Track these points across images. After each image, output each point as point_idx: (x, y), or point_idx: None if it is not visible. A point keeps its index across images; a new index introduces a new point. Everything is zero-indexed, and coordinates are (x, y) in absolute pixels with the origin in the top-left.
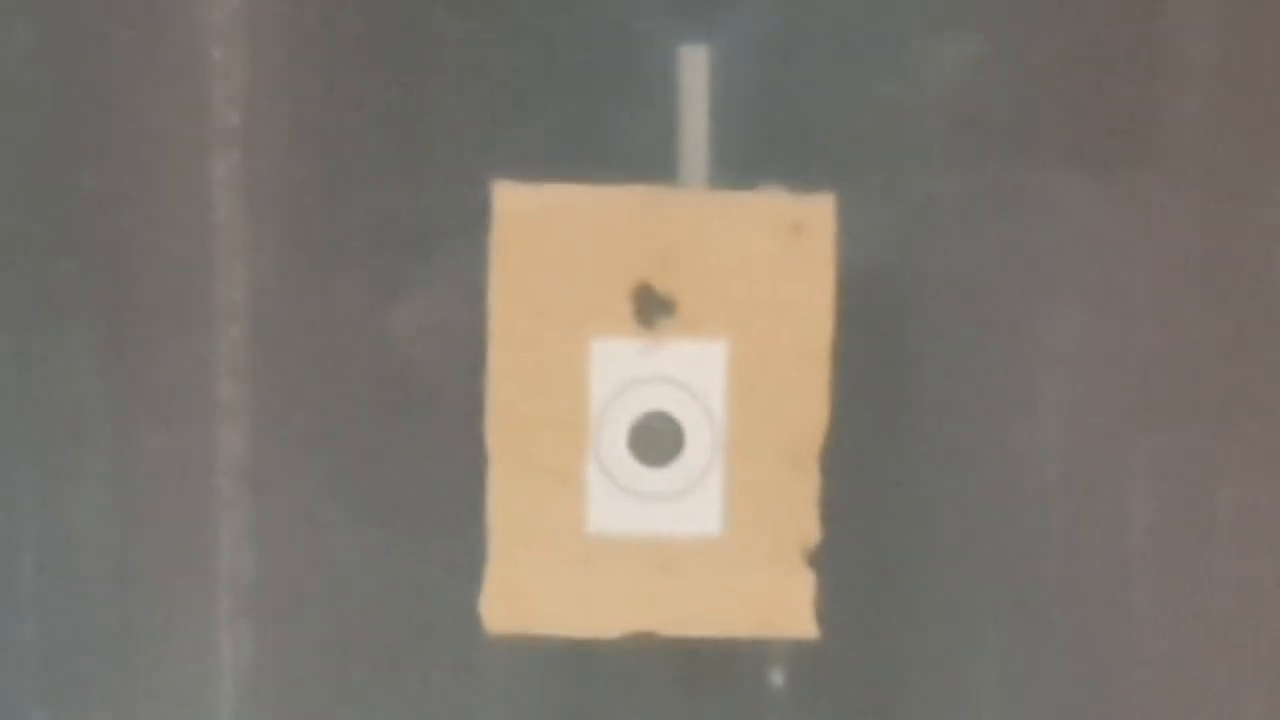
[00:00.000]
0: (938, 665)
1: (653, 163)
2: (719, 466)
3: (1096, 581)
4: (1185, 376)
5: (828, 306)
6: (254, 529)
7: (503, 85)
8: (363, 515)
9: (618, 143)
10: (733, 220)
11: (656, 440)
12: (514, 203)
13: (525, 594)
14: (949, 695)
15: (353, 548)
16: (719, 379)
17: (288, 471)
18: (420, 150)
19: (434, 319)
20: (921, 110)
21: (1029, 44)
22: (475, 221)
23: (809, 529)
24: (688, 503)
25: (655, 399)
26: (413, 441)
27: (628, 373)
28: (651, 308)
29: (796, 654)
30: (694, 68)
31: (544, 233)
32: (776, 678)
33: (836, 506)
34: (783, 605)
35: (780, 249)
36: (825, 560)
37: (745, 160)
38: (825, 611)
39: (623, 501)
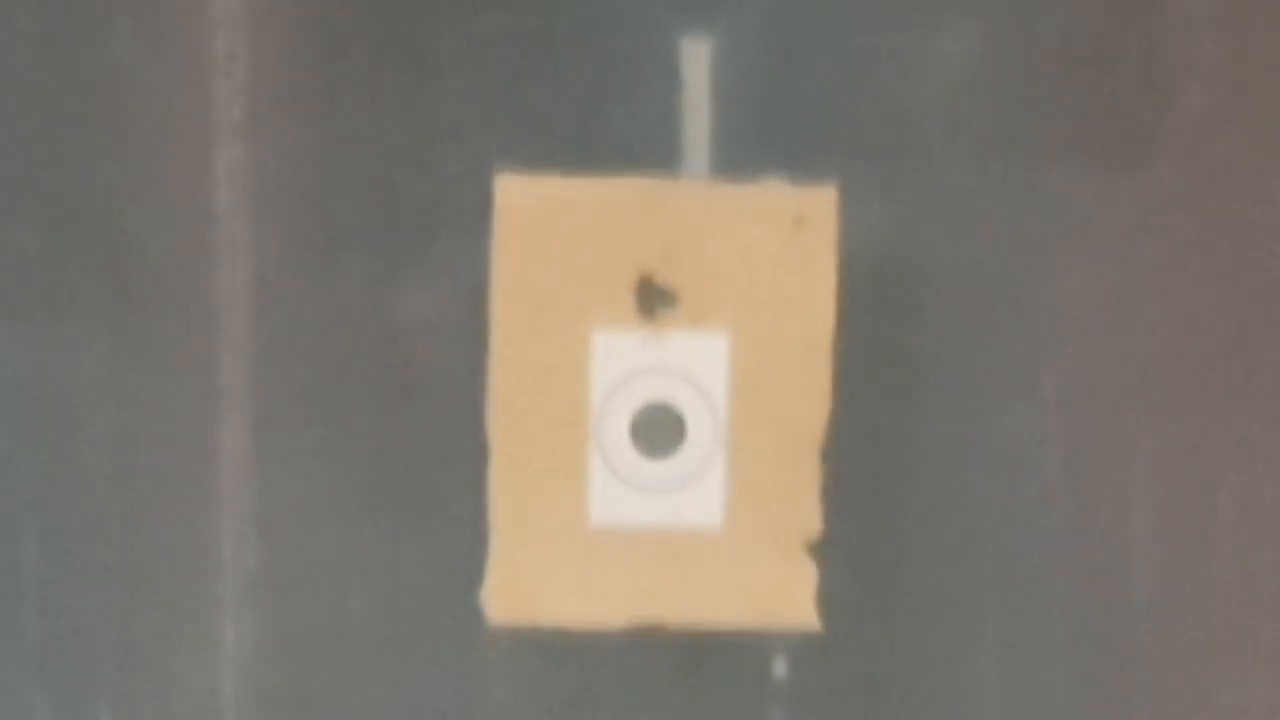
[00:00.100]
0: (939, 656)
1: (655, 155)
2: (721, 458)
3: (1098, 574)
4: (1188, 369)
5: (829, 298)
6: (256, 519)
7: (505, 78)
8: (365, 506)
9: (620, 135)
10: (735, 212)
11: (658, 432)
12: (516, 195)
13: (527, 585)
14: (951, 686)
15: (355, 538)
16: (721, 370)
17: (290, 462)
18: (422, 142)
19: (436, 310)
20: (923, 103)
21: (1031, 37)
22: (477, 213)
23: (811, 520)
24: (689, 494)
25: (657, 391)
26: (415, 432)
27: (629, 364)
28: (653, 299)
29: (798, 645)
30: (696, 60)
31: (546, 224)
32: (778, 668)
33: (838, 498)
34: (784, 596)
35: (782, 241)
36: (827, 551)
37: (747, 152)
38: (827, 602)
39: (624, 493)
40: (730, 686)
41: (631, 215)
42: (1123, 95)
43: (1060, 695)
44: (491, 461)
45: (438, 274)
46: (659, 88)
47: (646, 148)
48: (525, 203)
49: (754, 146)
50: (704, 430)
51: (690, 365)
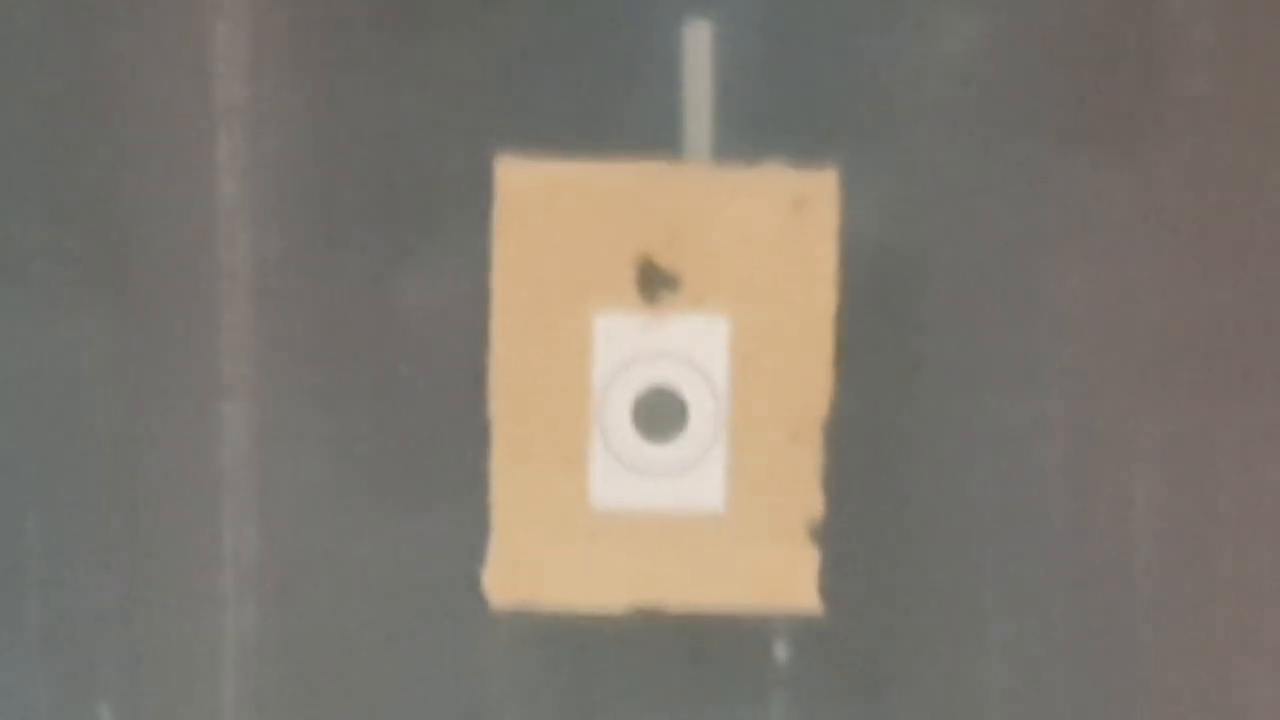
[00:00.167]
0: (942, 639)
1: (656, 138)
2: (722, 441)
3: (1101, 557)
4: (1192, 353)
5: (831, 281)
6: (257, 504)
7: (507, 61)
8: (367, 490)
9: (621, 118)
10: (736, 195)
11: (660, 415)
12: (517, 178)
13: (529, 569)
14: (953, 670)
15: (357, 523)
16: (722, 354)
17: (291, 448)
18: (424, 126)
19: (437, 294)
20: (926, 86)
21: (1034, 18)
22: (478, 197)
23: (813, 504)
24: (691, 478)
25: (658, 374)
26: (417, 416)
27: (631, 348)
28: (655, 283)
29: (800, 628)
30: (698, 43)
31: (547, 208)
32: (780, 652)
33: (840, 481)
34: (787, 580)
35: (784, 224)
36: (829, 535)
37: (749, 135)
38: (829, 586)
39: (626, 477)
40: (732, 670)
41: (633, 199)
42: (1125, 81)
43: (1063, 679)
44: (493, 445)
45: (439, 257)
46: (661, 71)
47: (648, 131)
48: (526, 186)
49: (756, 130)
50: (706, 414)
51: (692, 349)
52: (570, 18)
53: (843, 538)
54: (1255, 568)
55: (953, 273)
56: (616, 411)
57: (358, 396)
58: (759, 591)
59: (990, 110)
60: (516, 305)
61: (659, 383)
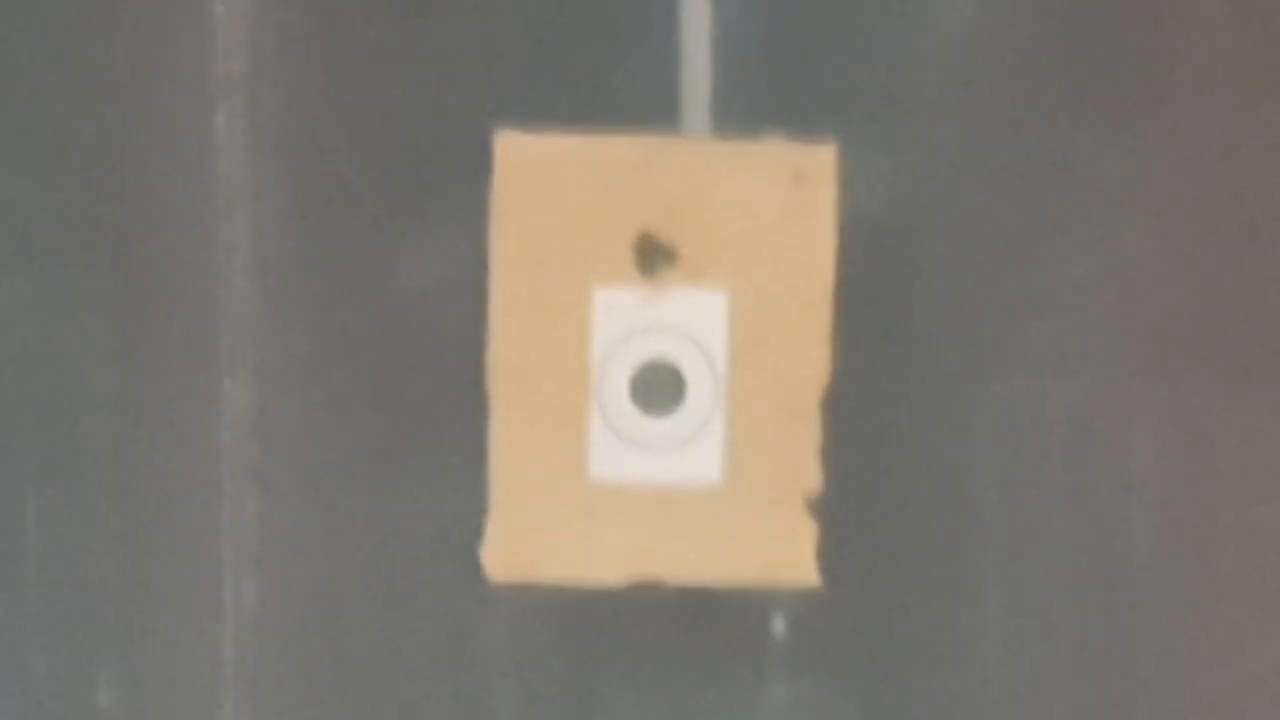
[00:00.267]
0: (939, 613)
1: (655, 111)
2: (720, 415)
3: (1099, 529)
4: (1193, 331)
5: (829, 255)
6: (257, 479)
7: (505, 33)
8: (365, 464)
9: (620, 91)
10: (735, 169)
11: (658, 389)
12: (516, 151)
13: (527, 542)
14: (950, 642)
15: (355, 497)
16: (721, 328)
17: (290, 422)
18: (423, 99)
19: (437, 267)
20: (925, 59)
21: None
22: (477, 170)
23: (811, 477)
24: (689, 451)
25: (657, 348)
26: (415, 390)
27: (629, 322)
28: (653, 257)
29: (798, 602)
30: (697, 16)
31: (546, 181)
32: (778, 625)
33: (838, 455)
34: (784, 553)
35: (782, 198)
36: (827, 508)
37: (748, 109)
38: (827, 559)
39: (624, 450)
40: (730, 643)
41: (632, 172)
42: (1127, 55)
43: (1060, 651)
44: (491, 419)
45: (439, 231)
46: (660, 44)
47: (647, 105)
48: (525, 160)
49: (754, 104)
50: (704, 387)
51: (690, 322)
52: None
53: (840, 512)
54: (1254, 551)
55: (951, 247)
56: (615, 385)
57: (357, 372)
58: (757, 565)
59: (990, 86)
60: (515, 279)
61: (657, 356)
